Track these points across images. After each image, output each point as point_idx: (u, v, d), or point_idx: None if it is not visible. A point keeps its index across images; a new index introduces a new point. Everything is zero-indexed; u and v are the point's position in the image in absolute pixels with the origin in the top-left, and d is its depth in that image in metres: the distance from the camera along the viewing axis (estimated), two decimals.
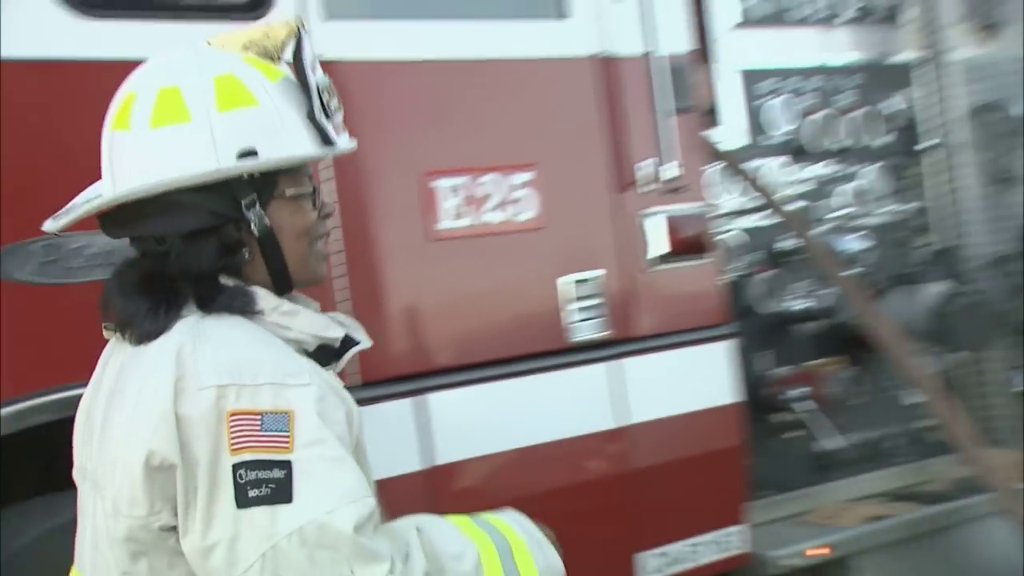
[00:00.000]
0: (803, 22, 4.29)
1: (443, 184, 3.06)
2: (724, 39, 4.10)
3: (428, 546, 1.78)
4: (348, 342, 1.86)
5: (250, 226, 1.80)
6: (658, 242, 3.38)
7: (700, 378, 3.46)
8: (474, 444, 3.08)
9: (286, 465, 1.66)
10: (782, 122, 4.20)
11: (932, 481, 4.27)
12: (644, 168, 3.34)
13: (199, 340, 1.72)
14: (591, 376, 3.26)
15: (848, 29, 4.38)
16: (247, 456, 1.65)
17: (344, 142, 1.91)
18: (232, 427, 1.66)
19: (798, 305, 4.15)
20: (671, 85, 3.38)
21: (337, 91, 1.89)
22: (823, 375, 4.08)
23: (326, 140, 1.84)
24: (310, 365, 1.78)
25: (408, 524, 1.82)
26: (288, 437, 1.67)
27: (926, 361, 3.96)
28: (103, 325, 1.88)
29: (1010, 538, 3.67)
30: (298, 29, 1.89)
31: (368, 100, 2.94)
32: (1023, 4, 4.25)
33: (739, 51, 4.13)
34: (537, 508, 3.04)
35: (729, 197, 4.04)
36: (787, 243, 4.10)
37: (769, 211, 4.01)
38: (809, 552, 3.66)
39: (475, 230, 3.10)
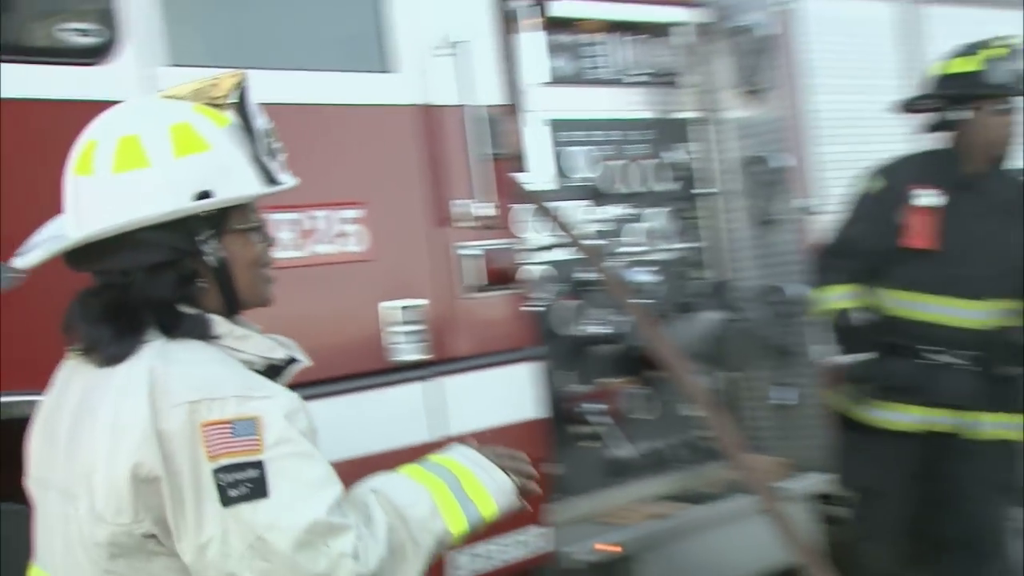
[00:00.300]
0: (600, 82, 4.35)
1: (278, 218, 3.00)
2: (532, 94, 4.14)
3: (385, 502, 1.84)
4: (290, 361, 1.93)
5: (204, 258, 1.83)
6: (472, 273, 3.37)
7: (508, 395, 3.46)
8: None
9: (259, 465, 1.71)
10: (582, 168, 4.23)
11: (707, 484, 4.35)
12: (460, 206, 3.34)
13: (168, 363, 1.75)
14: (411, 394, 3.23)
15: (639, 89, 4.44)
16: (224, 461, 1.69)
17: (287, 179, 1.94)
18: (207, 437, 1.70)
19: (596, 330, 4.17)
20: (484, 132, 3.39)
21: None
22: (616, 392, 4.13)
23: (270, 179, 1.89)
24: (267, 381, 1.83)
25: (364, 489, 1.89)
26: (257, 440, 1.72)
27: (702, 379, 4.05)
28: (68, 347, 1.88)
29: (770, 531, 3.77)
30: (242, 80, 1.92)
31: None
32: (781, 73, 4.40)
33: (546, 105, 4.17)
34: None
35: (536, 233, 4.06)
36: (586, 275, 4.13)
37: (570, 246, 4.04)
38: (598, 547, 3.70)
39: (307, 260, 3.05)
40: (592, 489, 4.04)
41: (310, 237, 3.06)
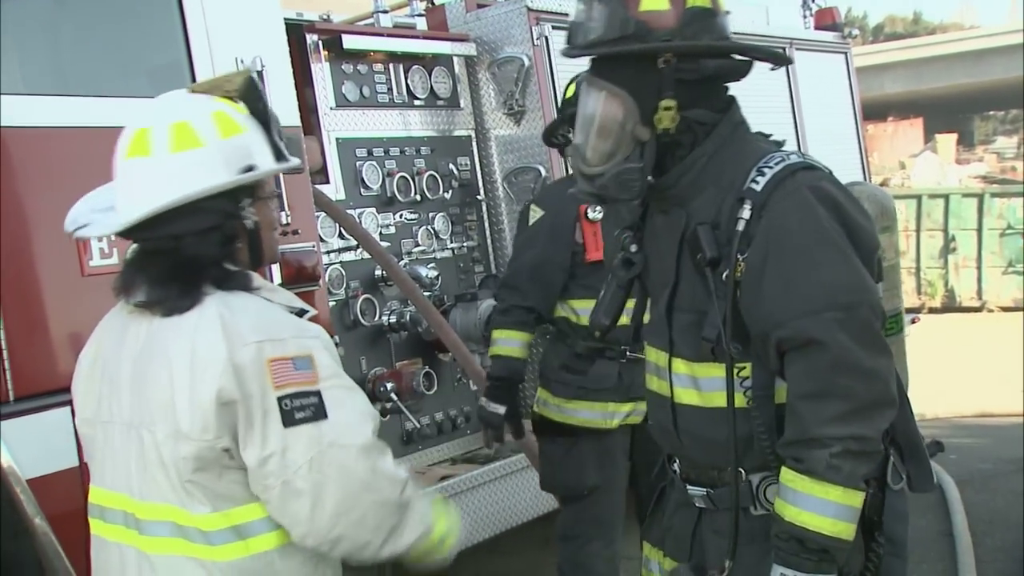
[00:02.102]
0: (387, 105, 4.38)
1: None
2: (327, 116, 4.14)
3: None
4: (302, 312, 2.00)
5: (244, 222, 1.94)
6: (276, 273, 3.33)
7: None
8: None
9: (317, 394, 1.85)
10: (372, 180, 4.26)
11: (480, 448, 4.41)
12: None
13: (232, 310, 1.86)
14: None
15: (422, 111, 4.49)
16: (288, 390, 1.83)
17: (293, 158, 2.06)
18: (273, 370, 1.82)
19: (389, 319, 4.23)
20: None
21: None
22: (407, 372, 4.18)
23: (282, 156, 1.99)
24: (309, 323, 1.95)
25: None
26: (313, 374, 1.86)
27: (477, 358, 4.12)
28: (127, 303, 1.94)
29: (532, 484, 3.87)
30: (249, 75, 2.03)
31: (38, 159, 2.79)
32: (539, 97, 4.49)
33: (340, 125, 4.18)
34: None
35: (336, 238, 4.08)
36: (379, 272, 4.17)
37: (364, 248, 4.06)
38: None
39: (120, 267, 2.95)
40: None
41: (123, 245, 2.97)
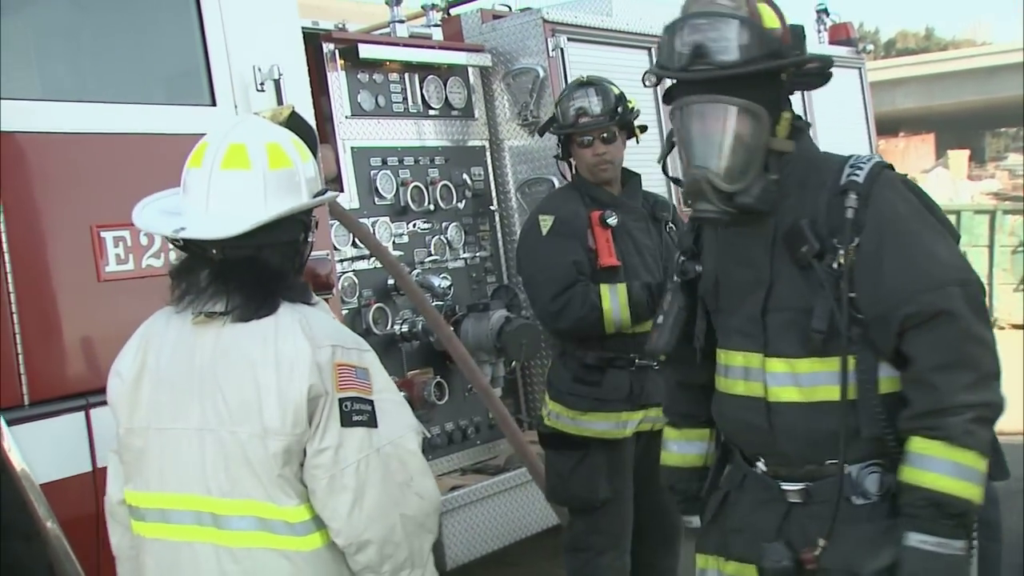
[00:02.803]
0: (402, 115, 4.40)
1: (110, 235, 2.92)
2: (342, 125, 4.16)
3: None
4: None
5: (308, 240, 2.11)
6: None
7: None
8: None
9: (371, 403, 2.00)
10: (387, 189, 4.28)
11: (495, 457, 4.45)
12: None
13: (306, 316, 2.02)
14: None
15: (437, 121, 4.50)
16: (350, 394, 1.98)
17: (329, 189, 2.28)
18: (338, 373, 1.98)
19: (401, 329, 4.23)
20: None
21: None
22: (418, 382, 4.19)
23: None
24: (360, 338, 2.11)
25: None
26: (369, 385, 2.02)
27: (486, 370, 4.09)
28: (202, 312, 2.01)
29: (540, 495, 3.86)
30: (293, 109, 2.26)
31: (57, 165, 2.78)
32: (551, 109, 4.49)
33: (355, 134, 4.19)
34: None
35: (349, 247, 4.09)
36: (391, 282, 4.17)
37: (376, 257, 4.05)
38: None
39: (138, 272, 2.97)
40: None
41: (143, 252, 2.99)
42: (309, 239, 2.10)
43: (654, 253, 3.61)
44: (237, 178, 2.00)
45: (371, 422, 1.99)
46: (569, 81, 4.55)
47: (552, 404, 3.58)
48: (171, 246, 2.18)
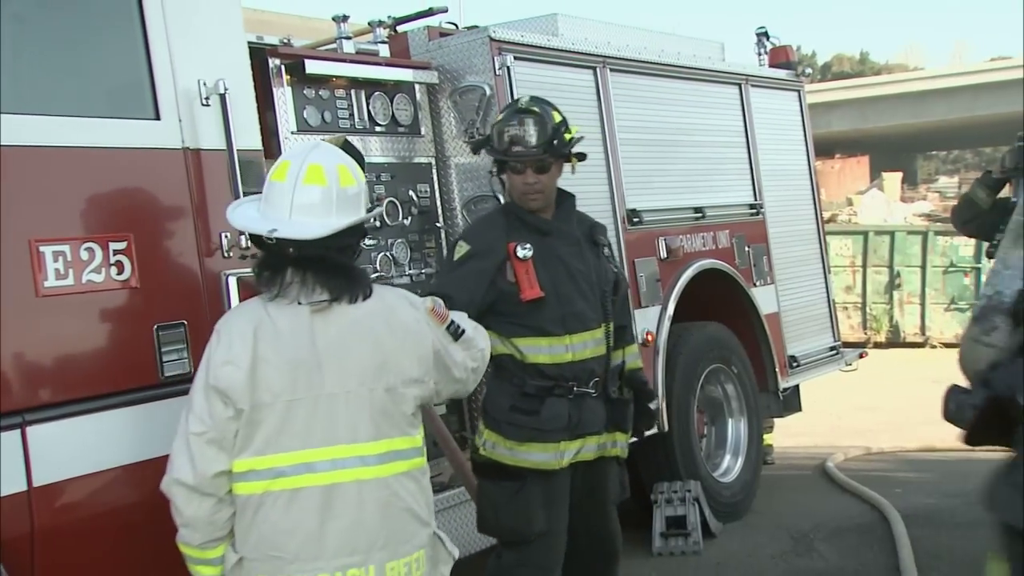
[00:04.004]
0: (349, 131, 4.37)
1: (49, 249, 2.87)
2: (288, 140, 4.13)
3: None
4: None
5: (360, 243, 2.75)
6: (235, 296, 3.30)
7: None
8: (76, 465, 2.89)
9: (453, 323, 2.81)
10: None
11: (439, 475, 4.37)
12: (225, 238, 3.29)
13: (396, 292, 2.75)
14: (181, 405, 3.13)
15: (383, 137, 4.48)
16: (446, 323, 2.79)
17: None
18: (434, 315, 2.76)
19: None
20: (245, 173, 3.34)
21: None
22: None
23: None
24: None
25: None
26: (447, 315, 2.81)
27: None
28: (313, 301, 2.54)
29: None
30: (345, 138, 2.92)
31: None
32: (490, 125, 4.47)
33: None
34: (139, 516, 2.94)
35: None
36: None
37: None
38: None
39: (78, 287, 2.92)
40: None
41: (84, 267, 2.93)
42: (363, 243, 2.74)
43: (588, 278, 3.57)
44: (316, 192, 2.54)
45: (460, 334, 2.80)
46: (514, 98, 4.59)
47: (488, 433, 3.50)
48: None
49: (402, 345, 2.60)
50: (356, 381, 2.53)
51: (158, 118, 3.18)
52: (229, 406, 2.50)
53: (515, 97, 4.42)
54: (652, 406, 3.85)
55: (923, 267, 15.14)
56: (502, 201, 4.32)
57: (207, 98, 3.28)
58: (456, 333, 2.77)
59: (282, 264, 2.53)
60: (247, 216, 2.62)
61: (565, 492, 3.52)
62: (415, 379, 2.63)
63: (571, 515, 3.54)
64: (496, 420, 3.49)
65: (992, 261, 5.41)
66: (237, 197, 3.29)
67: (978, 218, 5.35)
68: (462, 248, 3.52)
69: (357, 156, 2.77)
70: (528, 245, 3.45)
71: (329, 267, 2.54)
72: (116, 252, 3.01)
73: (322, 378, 2.51)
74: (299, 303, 2.53)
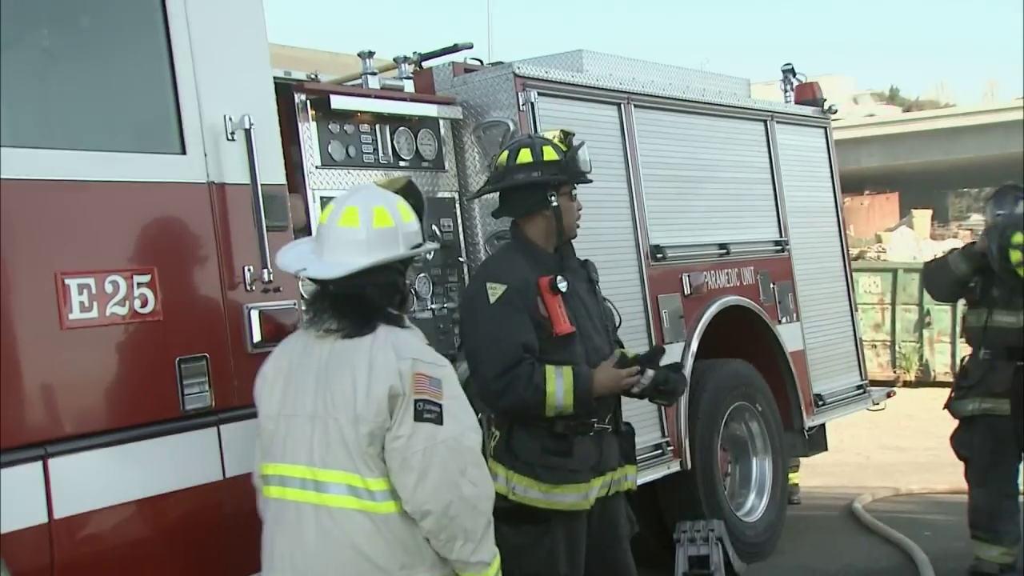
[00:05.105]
0: (373, 165, 4.41)
1: (74, 282, 2.90)
2: (312, 175, 4.17)
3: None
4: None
5: (405, 280, 2.80)
6: (256, 330, 3.32)
7: None
8: (97, 498, 2.89)
9: (439, 406, 2.59)
10: None
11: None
12: (248, 272, 3.32)
13: (397, 337, 2.67)
14: (201, 438, 3.15)
15: (407, 172, 4.47)
16: (423, 396, 2.58)
17: (431, 244, 3.05)
18: (416, 380, 2.59)
19: None
20: (269, 208, 3.36)
21: None
22: None
23: (433, 237, 2.99)
24: (440, 355, 2.72)
25: None
26: (441, 392, 2.61)
27: None
28: (315, 330, 2.71)
29: None
30: (410, 180, 3.10)
31: (15, 210, 2.78)
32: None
33: (326, 184, 4.20)
34: (159, 549, 2.94)
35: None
36: None
37: None
38: None
39: (102, 320, 2.94)
40: None
41: (108, 300, 2.96)
42: (410, 282, 2.78)
43: (597, 312, 3.59)
44: (348, 232, 2.68)
45: (438, 420, 2.57)
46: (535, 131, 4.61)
47: (518, 478, 3.41)
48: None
49: (364, 382, 2.59)
50: (324, 408, 2.62)
51: (184, 152, 3.22)
52: (260, 412, 2.80)
53: (538, 132, 4.43)
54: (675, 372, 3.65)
55: (953, 305, 14.98)
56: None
57: (232, 133, 3.32)
58: (420, 412, 2.56)
59: (322, 298, 2.75)
60: (290, 255, 2.84)
61: (584, 533, 3.49)
62: (364, 418, 2.58)
63: (588, 554, 3.51)
64: (529, 464, 3.41)
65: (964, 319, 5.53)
66: (260, 231, 3.33)
67: (953, 286, 5.38)
68: (497, 289, 3.40)
69: (416, 196, 2.95)
70: (564, 279, 3.43)
71: (346, 302, 2.68)
72: (140, 285, 3.04)
73: (305, 399, 2.65)
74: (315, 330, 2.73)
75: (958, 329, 14.99)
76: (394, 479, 2.57)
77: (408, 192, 2.90)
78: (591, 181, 3.74)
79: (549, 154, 3.57)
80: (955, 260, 5.38)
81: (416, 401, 2.56)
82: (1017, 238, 5.04)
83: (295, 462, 2.64)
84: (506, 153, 3.66)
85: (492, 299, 3.39)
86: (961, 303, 5.75)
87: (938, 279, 5.57)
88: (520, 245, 3.60)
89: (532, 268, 3.49)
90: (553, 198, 3.55)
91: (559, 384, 3.33)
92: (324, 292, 2.74)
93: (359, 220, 2.69)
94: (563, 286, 3.42)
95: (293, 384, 2.70)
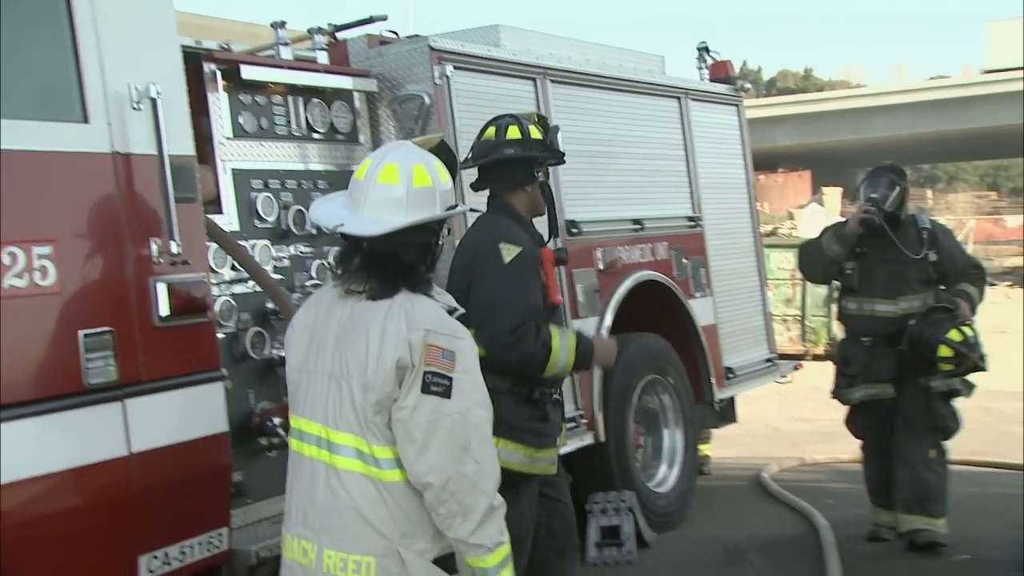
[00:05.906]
0: (285, 137, 4.35)
1: None
2: (223, 146, 4.10)
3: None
4: (453, 310, 2.65)
5: (439, 242, 2.68)
6: (163, 303, 3.27)
7: (197, 412, 3.38)
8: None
9: (449, 379, 2.51)
10: (268, 212, 4.23)
11: None
12: (155, 244, 3.26)
13: (414, 304, 2.56)
14: (105, 413, 3.10)
15: (321, 145, 4.47)
16: (433, 369, 2.51)
17: (463, 205, 2.91)
18: (428, 351, 2.51)
19: (278, 353, 4.14)
20: (177, 178, 3.29)
21: None
22: None
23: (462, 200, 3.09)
24: (461, 326, 2.60)
25: None
26: (452, 364, 2.52)
27: None
28: (346, 288, 2.62)
29: None
30: (444, 138, 3.05)
31: None
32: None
33: (236, 155, 4.14)
34: (60, 525, 2.89)
35: (227, 269, 4.02)
36: (270, 305, 4.13)
37: (255, 280, 4.02)
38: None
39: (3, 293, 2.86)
40: (274, 493, 4.00)
41: (5, 271, 2.88)
42: (440, 243, 2.68)
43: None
44: (387, 190, 2.59)
45: (445, 394, 2.50)
46: (456, 109, 4.63)
47: (503, 443, 3.38)
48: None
49: (375, 350, 2.52)
50: (339, 370, 2.58)
51: (86, 121, 3.14)
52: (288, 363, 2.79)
53: (454, 107, 4.44)
54: None
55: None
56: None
57: (138, 102, 3.24)
58: (428, 384, 2.51)
59: (353, 255, 2.65)
60: (325, 210, 2.72)
61: (535, 499, 3.62)
62: (372, 386, 2.52)
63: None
64: (516, 429, 3.48)
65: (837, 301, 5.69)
66: (167, 202, 3.27)
67: (827, 266, 5.47)
68: (512, 250, 3.50)
69: (449, 156, 2.86)
70: (565, 252, 3.62)
71: (380, 260, 2.58)
72: (40, 257, 2.96)
73: (326, 356, 2.62)
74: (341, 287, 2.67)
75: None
76: (399, 449, 2.53)
77: (441, 151, 2.80)
78: (565, 162, 3.96)
79: (534, 133, 3.74)
80: (828, 241, 5.52)
81: (425, 373, 2.49)
82: (953, 335, 5.14)
83: (312, 419, 2.62)
84: (493, 128, 3.76)
85: (507, 259, 3.49)
86: (835, 284, 5.82)
87: (811, 260, 5.69)
88: (514, 216, 3.71)
89: (535, 235, 3.69)
90: (539, 174, 3.73)
91: (563, 344, 3.51)
92: (356, 249, 2.63)
93: (399, 178, 2.59)
94: (562, 256, 3.63)
95: (316, 340, 2.65)
